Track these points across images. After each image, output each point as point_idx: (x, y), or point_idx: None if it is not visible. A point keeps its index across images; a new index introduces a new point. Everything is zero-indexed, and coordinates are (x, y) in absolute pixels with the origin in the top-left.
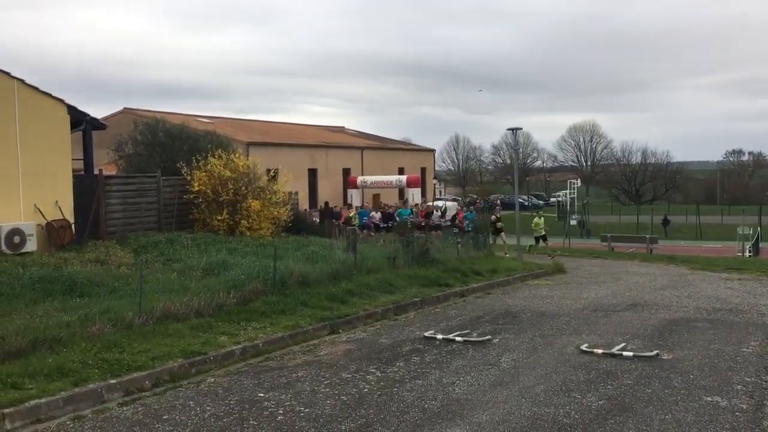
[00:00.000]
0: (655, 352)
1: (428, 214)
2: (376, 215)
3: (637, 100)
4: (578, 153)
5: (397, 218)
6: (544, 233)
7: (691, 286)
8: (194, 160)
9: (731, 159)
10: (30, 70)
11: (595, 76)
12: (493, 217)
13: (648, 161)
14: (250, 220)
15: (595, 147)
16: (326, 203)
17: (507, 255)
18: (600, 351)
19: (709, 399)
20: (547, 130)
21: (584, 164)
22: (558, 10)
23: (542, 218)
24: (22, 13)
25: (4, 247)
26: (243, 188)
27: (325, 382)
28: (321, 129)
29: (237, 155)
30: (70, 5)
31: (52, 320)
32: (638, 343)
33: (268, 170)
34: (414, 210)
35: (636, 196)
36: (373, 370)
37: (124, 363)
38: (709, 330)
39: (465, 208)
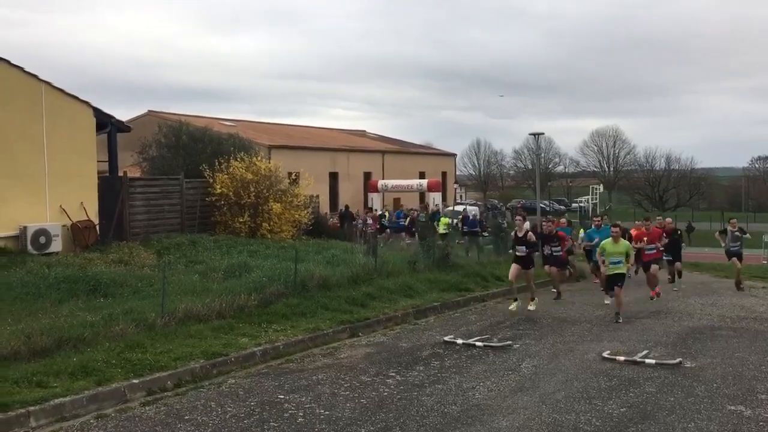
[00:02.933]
0: (678, 359)
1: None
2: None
3: (661, 105)
4: (601, 158)
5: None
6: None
7: (715, 294)
8: (217, 163)
9: (757, 165)
10: (57, 72)
11: (618, 81)
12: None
13: (672, 167)
14: (272, 223)
15: (618, 152)
16: (346, 207)
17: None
18: (622, 358)
19: (732, 408)
20: (570, 135)
21: (607, 170)
22: (582, 14)
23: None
24: (46, 16)
25: (30, 248)
26: (264, 191)
27: (345, 385)
28: (342, 133)
29: (259, 158)
30: (97, 7)
31: (77, 320)
32: (661, 350)
33: (290, 173)
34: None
35: (659, 202)
36: (393, 374)
37: (147, 363)
38: (733, 338)
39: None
